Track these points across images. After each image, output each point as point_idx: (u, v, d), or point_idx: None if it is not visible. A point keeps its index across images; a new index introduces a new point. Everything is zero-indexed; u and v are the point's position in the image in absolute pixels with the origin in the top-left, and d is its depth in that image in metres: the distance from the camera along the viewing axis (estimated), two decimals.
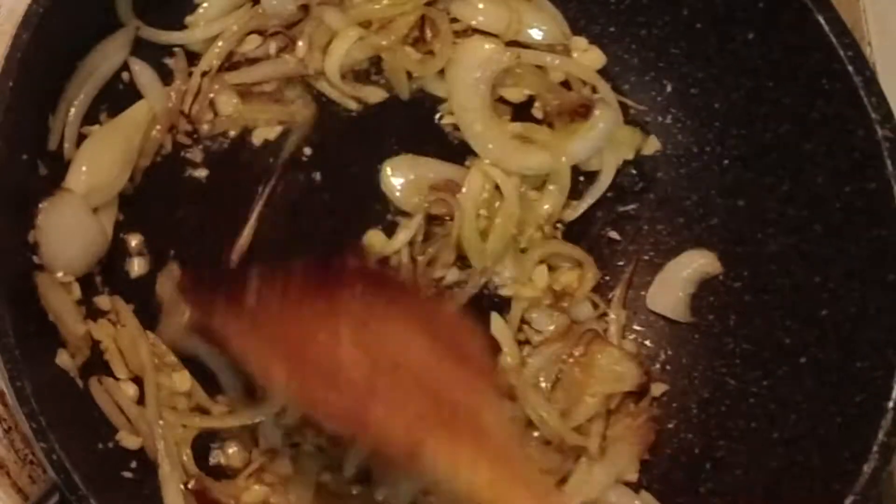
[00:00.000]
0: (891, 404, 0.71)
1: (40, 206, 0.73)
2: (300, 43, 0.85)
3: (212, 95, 0.84)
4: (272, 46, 0.85)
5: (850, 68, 0.75)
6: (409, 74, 0.87)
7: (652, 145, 0.89)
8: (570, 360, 0.84)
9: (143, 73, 0.82)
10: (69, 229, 0.75)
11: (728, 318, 0.85)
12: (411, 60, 0.87)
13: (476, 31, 0.88)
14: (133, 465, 0.76)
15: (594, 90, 0.88)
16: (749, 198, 0.84)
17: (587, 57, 0.89)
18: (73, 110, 0.78)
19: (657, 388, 0.85)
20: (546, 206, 0.86)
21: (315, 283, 0.72)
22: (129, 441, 0.76)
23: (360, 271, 0.77)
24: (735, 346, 0.84)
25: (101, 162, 0.79)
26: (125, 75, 0.83)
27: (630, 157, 0.88)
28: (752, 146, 0.84)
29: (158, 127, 0.83)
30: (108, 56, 0.80)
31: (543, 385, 0.84)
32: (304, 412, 0.73)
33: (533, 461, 0.76)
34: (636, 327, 0.87)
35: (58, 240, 0.75)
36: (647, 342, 0.87)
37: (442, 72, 0.87)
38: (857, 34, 0.88)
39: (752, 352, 0.83)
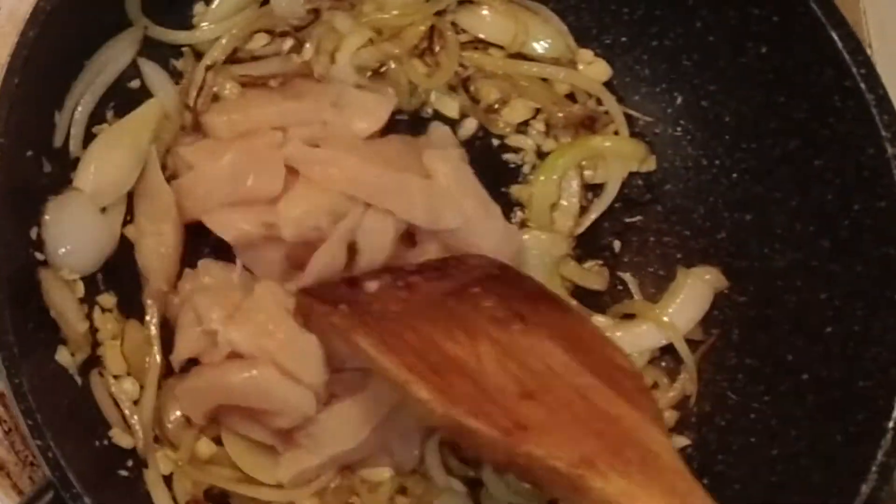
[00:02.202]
0: (891, 424, 0.71)
1: (48, 203, 0.74)
2: (307, 45, 0.85)
3: (216, 89, 0.84)
4: (285, 44, 0.85)
5: (862, 86, 0.75)
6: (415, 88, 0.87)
7: (650, 163, 0.89)
8: None
9: (154, 74, 0.83)
10: (76, 228, 0.76)
11: (731, 333, 0.84)
12: (417, 73, 0.87)
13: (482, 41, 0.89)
14: (129, 463, 0.76)
15: (599, 102, 0.88)
16: (757, 212, 0.84)
17: (593, 69, 0.89)
18: (80, 108, 0.78)
19: (678, 442, 0.83)
20: None
21: (443, 288, 0.69)
22: (121, 439, 0.76)
23: (487, 276, 0.72)
24: (737, 361, 0.83)
25: (109, 161, 0.79)
26: (134, 80, 0.83)
27: (635, 169, 0.88)
28: (762, 160, 0.83)
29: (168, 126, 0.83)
30: (117, 55, 0.80)
31: None
32: (451, 434, 0.65)
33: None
34: None
35: (64, 238, 0.75)
36: None
37: (452, 88, 0.88)
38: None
39: (755, 367, 0.82)
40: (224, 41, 0.85)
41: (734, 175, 0.85)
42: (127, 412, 0.77)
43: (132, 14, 0.81)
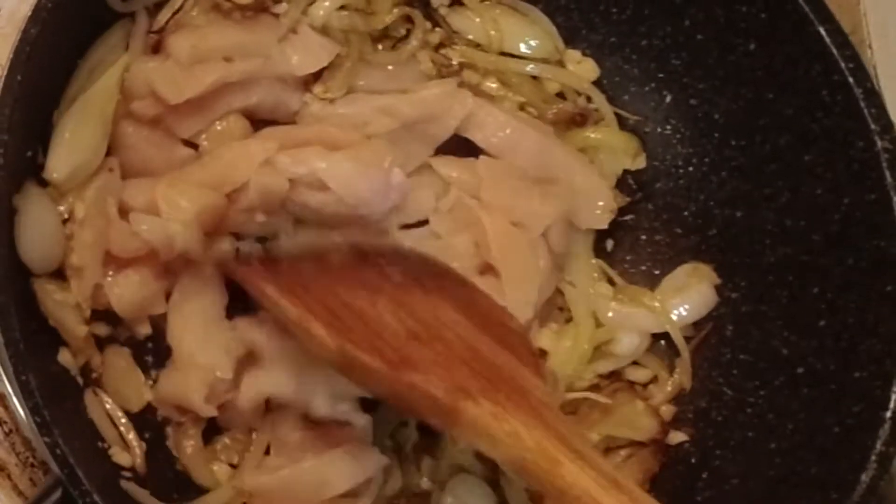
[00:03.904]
0: (888, 414, 0.71)
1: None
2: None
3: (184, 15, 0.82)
4: None
5: (850, 80, 0.76)
6: None
7: (640, 161, 0.89)
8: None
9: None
10: (35, 227, 0.73)
11: (725, 329, 0.85)
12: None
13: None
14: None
15: (589, 100, 0.89)
16: (747, 209, 0.84)
17: (581, 68, 0.90)
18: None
19: (675, 437, 0.84)
20: None
21: (354, 261, 0.75)
22: (121, 457, 0.75)
23: (400, 255, 0.78)
24: (732, 357, 0.84)
25: (79, 140, 0.76)
26: None
27: (628, 166, 0.88)
28: (751, 157, 0.84)
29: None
30: (108, 52, 0.78)
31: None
32: (343, 370, 0.70)
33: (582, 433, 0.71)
34: None
35: (29, 240, 0.72)
36: None
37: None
38: (858, 38, 0.89)
39: (750, 362, 0.83)
40: None
41: (724, 172, 0.86)
42: (123, 430, 0.76)
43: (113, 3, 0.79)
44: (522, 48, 0.89)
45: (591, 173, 0.86)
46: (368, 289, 0.72)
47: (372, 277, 0.74)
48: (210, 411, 0.76)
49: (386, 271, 0.75)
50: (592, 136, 0.88)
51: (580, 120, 0.88)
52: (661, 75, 0.88)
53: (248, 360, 0.78)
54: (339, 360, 0.67)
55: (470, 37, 0.89)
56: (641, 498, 0.61)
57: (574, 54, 0.90)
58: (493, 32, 0.88)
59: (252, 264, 0.76)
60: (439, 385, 0.65)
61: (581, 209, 0.86)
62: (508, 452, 0.63)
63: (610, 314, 0.85)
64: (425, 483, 0.81)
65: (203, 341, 0.77)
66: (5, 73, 0.68)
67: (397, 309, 0.71)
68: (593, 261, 0.87)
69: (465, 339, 0.70)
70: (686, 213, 0.88)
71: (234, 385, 0.78)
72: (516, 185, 0.84)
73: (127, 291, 0.76)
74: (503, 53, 0.89)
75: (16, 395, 0.67)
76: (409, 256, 0.79)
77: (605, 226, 0.86)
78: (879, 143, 0.75)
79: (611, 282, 0.87)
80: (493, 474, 0.82)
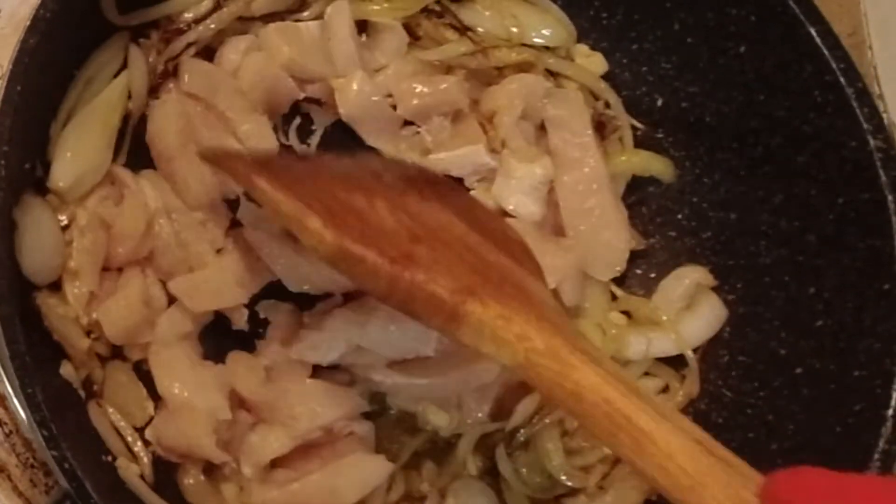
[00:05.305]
0: (890, 412, 0.71)
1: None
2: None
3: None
4: None
5: (842, 80, 0.76)
6: None
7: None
8: None
9: (134, 54, 0.80)
10: (35, 237, 0.72)
11: (722, 331, 0.85)
12: None
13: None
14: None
15: (607, 105, 0.88)
16: (741, 211, 0.85)
17: (590, 63, 0.89)
18: (73, 120, 0.76)
19: None
20: None
21: (349, 165, 0.73)
22: (128, 468, 0.74)
23: (394, 163, 0.77)
24: (730, 359, 0.84)
25: (83, 147, 0.75)
26: None
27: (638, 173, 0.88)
28: (744, 159, 0.84)
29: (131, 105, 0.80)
30: (105, 63, 0.78)
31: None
32: (342, 268, 0.65)
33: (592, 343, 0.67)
34: None
35: (29, 249, 0.71)
36: None
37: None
38: (858, 38, 0.89)
39: (748, 364, 0.83)
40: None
41: (717, 175, 0.86)
42: (129, 441, 0.75)
43: (109, 13, 0.78)
44: (539, 38, 0.88)
45: (622, 227, 0.86)
46: (365, 190, 0.69)
47: (367, 180, 0.71)
48: (224, 458, 0.74)
49: (382, 176, 0.72)
50: (624, 158, 0.88)
51: (599, 128, 0.87)
52: (652, 79, 0.88)
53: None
54: (337, 254, 0.63)
55: (480, 30, 0.87)
56: (662, 407, 0.58)
57: (583, 48, 0.90)
58: (513, 28, 0.87)
59: (244, 160, 0.72)
60: (444, 284, 0.62)
61: (597, 261, 0.85)
62: (517, 356, 0.60)
63: (630, 353, 0.84)
64: (426, 488, 0.81)
65: (195, 384, 0.75)
66: (5, 83, 0.67)
67: (396, 210, 0.67)
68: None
69: (467, 244, 0.67)
70: (680, 216, 0.88)
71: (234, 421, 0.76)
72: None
73: (115, 315, 0.75)
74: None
75: (21, 406, 0.66)
76: (404, 164, 0.77)
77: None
78: (872, 143, 0.75)
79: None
80: (494, 479, 0.82)
